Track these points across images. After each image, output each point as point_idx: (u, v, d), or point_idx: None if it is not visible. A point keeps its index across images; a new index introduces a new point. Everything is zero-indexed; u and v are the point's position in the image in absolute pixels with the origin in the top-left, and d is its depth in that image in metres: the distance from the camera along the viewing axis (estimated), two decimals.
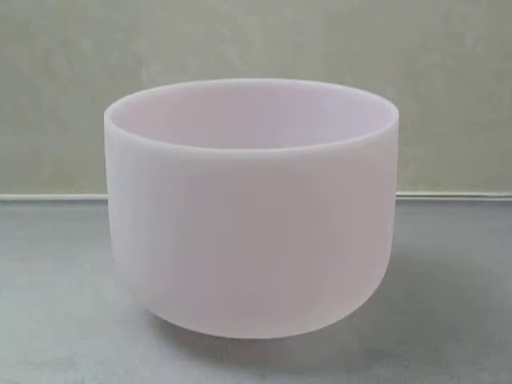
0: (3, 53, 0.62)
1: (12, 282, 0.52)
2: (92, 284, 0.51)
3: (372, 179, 0.41)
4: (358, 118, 0.49)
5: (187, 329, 0.44)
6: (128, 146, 0.40)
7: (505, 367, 0.42)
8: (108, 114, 0.44)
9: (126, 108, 0.47)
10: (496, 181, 0.65)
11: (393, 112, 0.44)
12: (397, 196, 0.45)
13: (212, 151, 0.38)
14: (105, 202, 0.45)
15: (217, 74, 0.62)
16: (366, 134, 0.40)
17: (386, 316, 0.47)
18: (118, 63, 0.63)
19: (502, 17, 0.62)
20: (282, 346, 0.44)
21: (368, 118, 0.48)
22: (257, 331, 0.42)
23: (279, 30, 0.62)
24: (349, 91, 0.50)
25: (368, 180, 0.40)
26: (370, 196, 0.41)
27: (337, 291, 0.41)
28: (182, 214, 0.39)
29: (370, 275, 0.43)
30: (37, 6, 0.61)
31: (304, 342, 0.44)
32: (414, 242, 0.57)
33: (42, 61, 0.62)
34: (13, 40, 0.62)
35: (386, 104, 0.46)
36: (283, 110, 0.52)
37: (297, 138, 0.52)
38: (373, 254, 0.43)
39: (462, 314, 0.47)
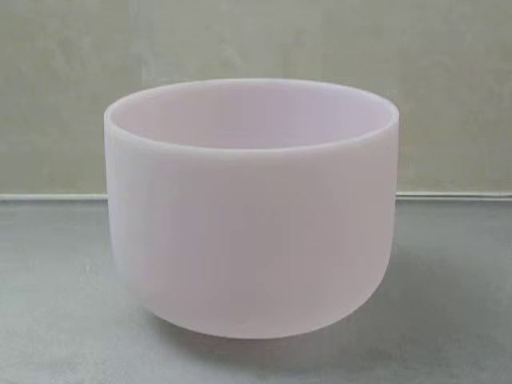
0: (3, 52, 0.62)
1: (12, 282, 0.52)
2: (92, 284, 0.51)
3: (372, 179, 0.41)
4: (358, 118, 0.49)
5: (187, 329, 0.44)
6: (128, 145, 0.40)
7: (505, 367, 0.42)
8: (108, 114, 0.44)
9: (125, 108, 0.46)
10: (496, 181, 0.65)
11: (393, 112, 0.44)
12: (397, 196, 0.45)
13: (212, 151, 0.38)
14: (105, 201, 0.45)
15: (217, 74, 0.62)
16: (366, 134, 0.40)
17: (386, 316, 0.47)
18: (117, 63, 0.63)
19: (502, 17, 0.62)
20: (282, 346, 0.44)
21: (368, 118, 0.48)
22: (257, 331, 0.42)
23: (279, 30, 0.62)
24: (349, 91, 0.50)
25: (368, 180, 0.40)
26: (369, 196, 0.41)
27: (337, 291, 0.41)
28: (182, 214, 0.39)
29: (370, 275, 0.43)
30: (37, 6, 0.61)
31: (304, 342, 0.44)
32: (414, 242, 0.57)
33: (42, 61, 0.62)
34: (13, 40, 0.62)
35: (386, 104, 0.46)
36: (283, 110, 0.52)
37: (296, 138, 0.52)
38: (373, 253, 0.43)
39: (461, 314, 0.47)
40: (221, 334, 0.43)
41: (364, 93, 0.49)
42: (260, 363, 0.43)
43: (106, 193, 0.44)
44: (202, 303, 0.41)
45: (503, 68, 0.63)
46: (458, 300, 0.49)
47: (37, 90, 0.63)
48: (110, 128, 0.42)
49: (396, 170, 0.44)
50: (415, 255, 0.55)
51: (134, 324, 0.47)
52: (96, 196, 0.64)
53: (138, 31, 0.62)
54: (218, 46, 0.62)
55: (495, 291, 0.50)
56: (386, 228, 0.44)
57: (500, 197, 0.65)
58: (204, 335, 0.44)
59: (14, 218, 0.62)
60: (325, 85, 0.51)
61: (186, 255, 0.40)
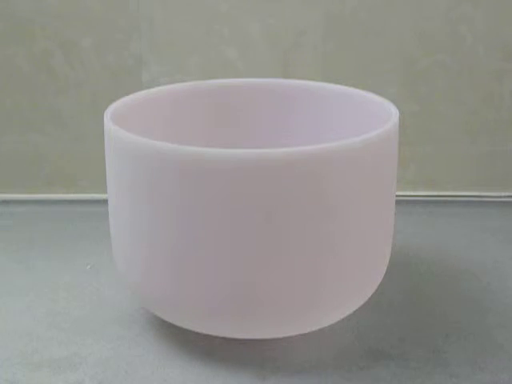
0: (3, 52, 0.62)
1: (12, 282, 0.52)
2: (92, 284, 0.51)
3: (372, 179, 0.41)
4: (358, 118, 0.49)
5: (187, 329, 0.44)
6: (128, 145, 0.40)
7: (505, 367, 0.42)
8: (108, 113, 0.44)
9: (126, 108, 0.47)
10: (496, 181, 0.65)
11: (393, 112, 0.44)
12: (397, 196, 0.45)
13: (212, 151, 0.38)
14: (105, 201, 0.45)
15: (217, 73, 0.62)
16: (366, 134, 0.40)
17: (386, 316, 0.47)
18: (118, 63, 0.63)
19: (502, 17, 0.62)
20: (282, 346, 0.44)
21: (368, 117, 0.48)
22: (257, 331, 0.42)
23: (279, 30, 0.62)
24: (349, 91, 0.50)
25: (368, 180, 0.40)
26: (370, 196, 0.41)
27: (337, 291, 0.41)
28: (182, 214, 0.39)
29: (370, 275, 0.43)
30: (37, 6, 0.61)
31: (304, 342, 0.44)
32: (414, 242, 0.57)
33: (42, 61, 0.62)
34: (13, 40, 0.62)
35: (386, 104, 0.46)
36: (283, 110, 0.52)
37: (296, 138, 0.52)
38: (373, 253, 0.43)
39: (461, 314, 0.47)
40: (221, 334, 0.43)
41: (364, 93, 0.49)
42: (260, 363, 0.43)
43: (106, 193, 0.44)
44: (201, 303, 0.41)
45: (503, 68, 0.63)
46: (457, 300, 0.49)
47: (37, 90, 0.63)
48: (110, 128, 0.42)
49: (396, 170, 0.44)
50: (415, 255, 0.55)
51: (133, 324, 0.47)
52: (96, 196, 0.64)
53: (138, 31, 0.62)
54: (218, 46, 0.62)
55: (495, 291, 0.50)
56: (385, 228, 0.44)
57: (500, 197, 0.65)
58: (204, 335, 0.44)
59: (13, 218, 0.62)
60: (325, 85, 0.51)
61: (186, 255, 0.40)
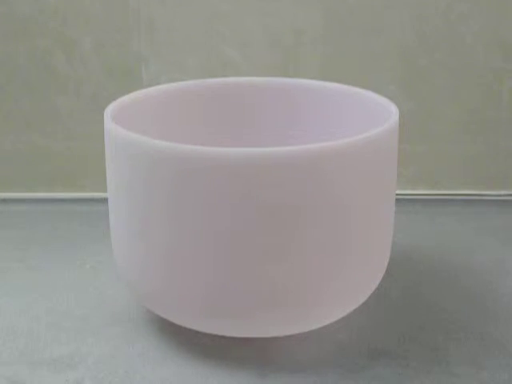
0: (3, 51, 0.62)
1: (12, 281, 0.52)
2: (92, 283, 0.51)
3: (372, 178, 0.41)
4: (358, 117, 0.49)
5: (187, 328, 0.44)
6: (127, 144, 0.40)
7: (505, 366, 0.42)
8: (108, 112, 0.44)
9: (125, 107, 0.47)
10: (496, 180, 0.65)
11: (393, 111, 0.44)
12: (397, 195, 0.45)
13: (211, 150, 0.38)
14: (105, 200, 0.45)
15: (217, 73, 0.62)
16: (366, 133, 0.40)
17: (386, 315, 0.47)
18: (118, 62, 0.63)
19: (502, 16, 0.62)
20: (282, 345, 0.44)
21: (368, 116, 0.48)
22: (257, 330, 0.42)
23: (279, 29, 0.62)
24: (349, 90, 0.50)
25: (368, 179, 0.40)
26: (369, 195, 0.41)
27: (337, 290, 0.41)
28: (181, 213, 0.39)
29: (369, 274, 0.43)
30: (37, 6, 0.61)
31: (304, 342, 0.44)
32: (414, 242, 0.57)
33: (42, 60, 0.62)
34: (13, 39, 0.62)
35: (386, 103, 0.46)
36: (283, 109, 0.52)
37: (296, 137, 0.52)
38: (373, 252, 0.43)
39: (461, 314, 0.47)
40: (220, 333, 0.43)
41: (364, 91, 0.49)
42: (260, 362, 0.43)
43: (106, 192, 0.44)
44: (201, 302, 0.41)
45: (503, 66, 0.63)
46: (457, 298, 0.49)
47: (37, 89, 0.63)
48: (110, 127, 0.42)
49: (396, 168, 0.44)
50: (415, 255, 0.55)
51: (133, 323, 0.47)
52: (96, 195, 0.64)
53: (138, 31, 0.62)
54: (218, 44, 0.62)
55: (495, 290, 0.50)
56: (386, 226, 0.44)
57: (499, 195, 0.65)
58: (204, 334, 0.44)
59: (14, 217, 0.62)
60: (325, 84, 0.51)
61: (185, 253, 0.40)
